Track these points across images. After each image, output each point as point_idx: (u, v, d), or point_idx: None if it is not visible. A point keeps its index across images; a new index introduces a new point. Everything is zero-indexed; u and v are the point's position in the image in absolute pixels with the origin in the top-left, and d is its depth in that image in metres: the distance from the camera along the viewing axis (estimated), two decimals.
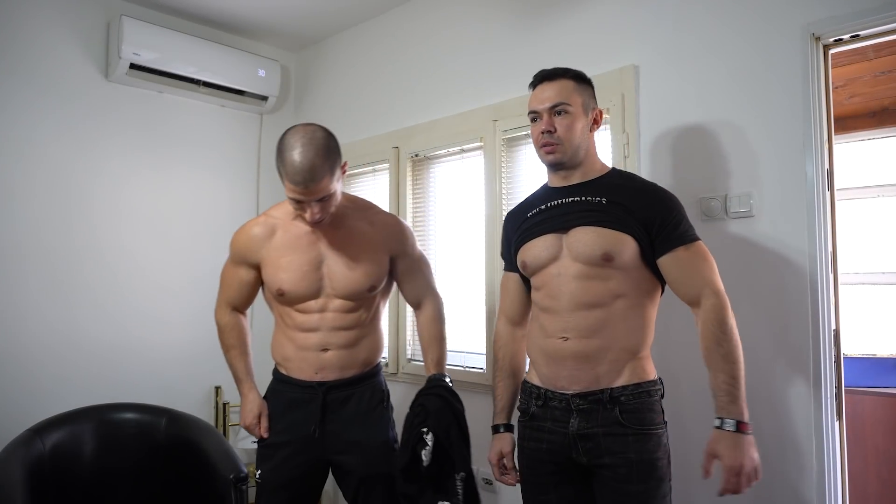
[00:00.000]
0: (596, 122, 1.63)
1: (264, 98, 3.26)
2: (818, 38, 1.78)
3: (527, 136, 2.45)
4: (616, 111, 2.14)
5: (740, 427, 1.37)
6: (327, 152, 1.63)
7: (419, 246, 1.98)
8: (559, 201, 1.59)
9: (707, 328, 1.45)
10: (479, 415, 2.50)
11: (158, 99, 3.02)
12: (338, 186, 1.70)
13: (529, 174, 2.46)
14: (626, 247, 1.49)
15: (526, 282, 1.69)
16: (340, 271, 1.78)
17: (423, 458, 1.64)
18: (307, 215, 1.68)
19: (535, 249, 1.59)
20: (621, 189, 1.55)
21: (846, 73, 2.91)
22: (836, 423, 1.76)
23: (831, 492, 1.72)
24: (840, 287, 1.82)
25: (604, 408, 1.48)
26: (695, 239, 1.51)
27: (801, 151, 1.79)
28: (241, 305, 1.94)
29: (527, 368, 1.71)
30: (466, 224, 2.66)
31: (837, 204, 1.83)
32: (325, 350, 1.80)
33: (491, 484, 2.48)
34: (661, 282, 1.56)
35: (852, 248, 3.23)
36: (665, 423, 1.53)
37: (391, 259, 1.87)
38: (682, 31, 2.05)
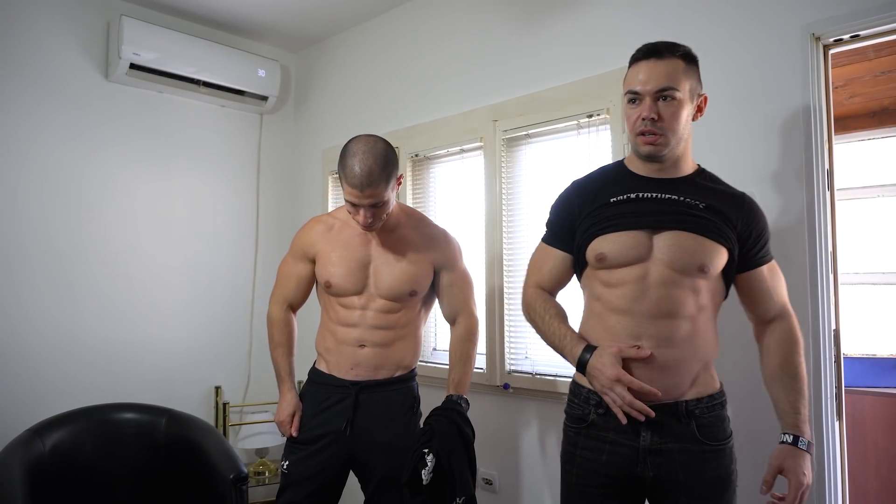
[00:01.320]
0: (699, 110, 1.47)
1: (264, 98, 3.26)
2: (818, 38, 1.79)
3: (527, 136, 2.46)
4: (616, 111, 2.14)
5: (809, 447, 1.40)
6: (385, 162, 1.72)
7: (466, 265, 2.01)
8: (652, 195, 1.43)
9: (784, 347, 1.45)
10: (479, 415, 2.50)
11: (158, 99, 3.02)
12: (392, 196, 1.78)
13: (529, 174, 2.47)
14: (721, 259, 1.40)
15: (577, 265, 1.53)
16: (385, 272, 1.86)
17: (423, 476, 1.66)
18: (360, 218, 1.76)
19: (621, 245, 1.42)
20: (715, 194, 1.45)
21: (846, 73, 2.91)
22: (836, 423, 1.76)
23: (831, 491, 1.72)
24: (840, 287, 1.82)
25: (678, 421, 1.40)
26: (772, 258, 1.48)
27: (801, 151, 1.79)
28: (296, 302, 2.02)
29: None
30: (466, 224, 2.65)
31: (837, 204, 1.83)
32: (362, 346, 1.86)
33: (491, 484, 2.48)
34: (727, 291, 1.50)
35: (852, 248, 3.23)
36: (732, 431, 1.48)
37: (435, 271, 1.93)
38: (682, 31, 2.05)
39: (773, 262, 1.48)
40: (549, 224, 1.59)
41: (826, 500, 1.71)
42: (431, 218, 2.77)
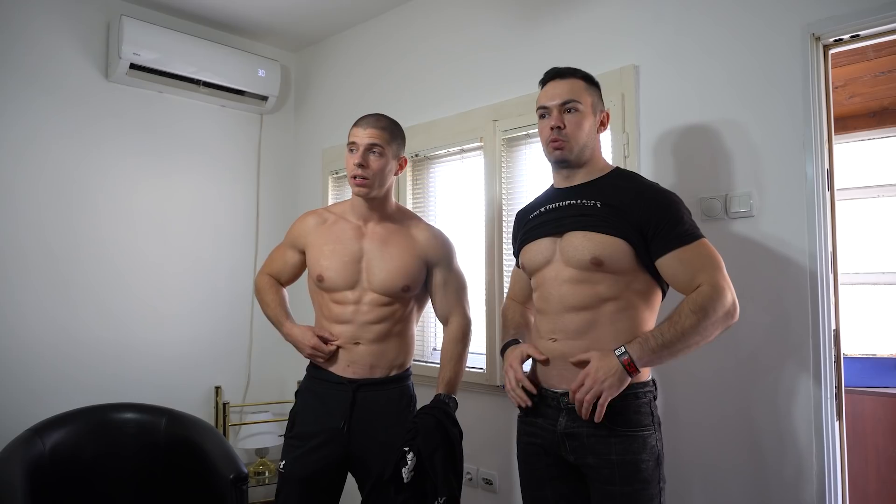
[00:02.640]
0: (602, 124, 1.65)
1: (264, 98, 3.26)
2: (818, 38, 1.79)
3: (527, 136, 2.46)
4: (616, 111, 2.14)
5: (627, 360, 1.41)
6: (395, 123, 1.91)
7: (459, 264, 2.02)
8: (557, 204, 1.61)
9: (688, 302, 1.42)
10: (479, 415, 2.51)
11: (158, 99, 3.02)
12: (391, 162, 1.87)
13: (529, 174, 2.46)
14: (618, 251, 1.48)
15: None
16: (378, 266, 1.87)
17: (404, 474, 1.66)
18: (354, 159, 1.82)
19: (532, 252, 1.63)
20: (619, 190, 1.55)
21: (846, 73, 2.91)
22: (836, 423, 1.76)
23: (831, 492, 1.72)
24: (840, 287, 1.82)
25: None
26: (695, 237, 1.47)
27: (801, 151, 1.79)
28: (280, 279, 2.06)
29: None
30: (466, 224, 2.66)
31: (837, 204, 1.83)
32: (357, 343, 1.87)
33: (491, 484, 2.48)
34: (661, 285, 1.55)
35: (852, 248, 3.23)
36: (654, 424, 1.52)
37: (428, 269, 1.94)
38: (682, 31, 2.05)
39: (699, 243, 1.46)
40: (513, 251, 1.82)
41: (826, 500, 1.71)
42: (432, 218, 2.81)
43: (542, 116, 1.62)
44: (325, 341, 1.88)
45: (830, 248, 1.78)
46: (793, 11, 1.81)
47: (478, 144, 2.60)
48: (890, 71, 2.87)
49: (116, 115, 2.89)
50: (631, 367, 1.41)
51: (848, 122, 3.23)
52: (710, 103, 1.98)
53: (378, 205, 1.92)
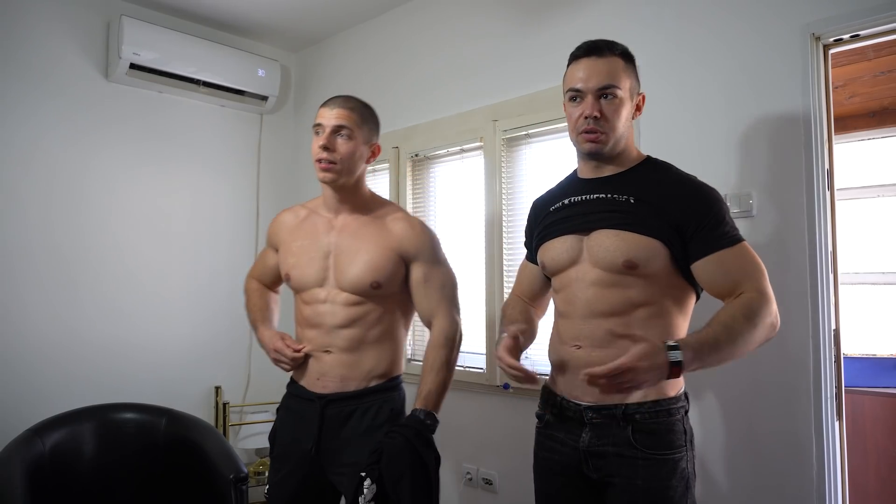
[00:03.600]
0: (638, 109, 1.47)
1: (264, 98, 3.26)
2: (818, 38, 1.78)
3: (527, 136, 2.45)
4: None
5: (675, 364, 1.23)
6: (367, 106, 1.77)
7: (446, 260, 1.79)
8: (583, 197, 1.45)
9: (740, 307, 1.28)
10: (479, 415, 2.51)
11: (158, 99, 3.02)
12: (361, 146, 1.71)
13: (529, 174, 2.46)
14: (654, 253, 1.34)
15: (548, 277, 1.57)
16: (345, 261, 1.70)
17: None
18: (316, 143, 1.68)
19: (554, 251, 1.47)
20: (654, 184, 1.39)
21: (846, 73, 2.91)
22: (836, 423, 1.76)
23: (831, 492, 1.72)
24: (840, 287, 1.82)
25: (616, 425, 1.35)
26: (737, 240, 1.34)
27: (801, 151, 1.79)
28: (265, 284, 2.00)
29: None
30: (466, 224, 2.66)
31: (837, 204, 1.83)
32: (327, 352, 1.69)
33: (491, 484, 2.48)
34: (696, 288, 1.41)
35: (852, 248, 3.23)
36: (687, 444, 1.38)
37: (406, 264, 1.72)
38: (682, 32, 2.05)
39: (741, 246, 1.33)
40: (525, 243, 1.71)
41: (826, 501, 1.71)
42: (431, 218, 2.81)
43: (572, 99, 1.43)
44: (289, 341, 1.74)
45: (830, 248, 1.78)
46: (793, 11, 1.81)
47: (478, 144, 2.60)
48: (890, 71, 2.87)
49: (116, 116, 2.88)
50: (675, 373, 1.24)
51: (848, 122, 3.23)
52: (710, 103, 1.97)
53: (348, 194, 1.74)
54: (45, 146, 2.68)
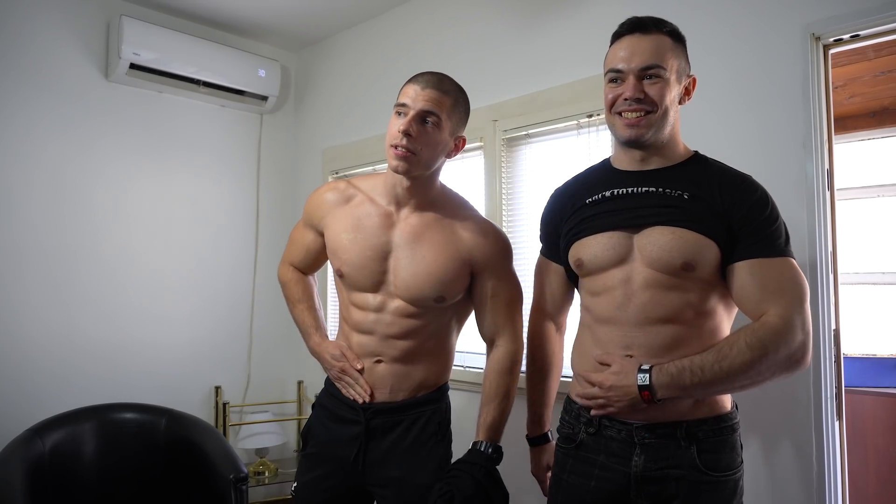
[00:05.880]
0: (687, 93, 1.34)
1: (264, 98, 3.25)
2: (818, 38, 1.78)
3: (527, 136, 2.45)
4: None
5: (647, 394, 1.20)
6: (463, 93, 1.53)
7: (515, 272, 1.62)
8: (630, 190, 1.30)
9: (745, 333, 1.18)
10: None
11: (158, 99, 3.02)
12: (447, 140, 1.49)
13: (529, 174, 2.46)
14: (710, 254, 1.22)
15: (570, 275, 1.44)
16: (407, 269, 1.50)
17: None
18: (400, 125, 1.43)
19: (597, 247, 1.32)
20: (707, 181, 1.27)
21: (846, 73, 2.91)
22: (836, 423, 1.76)
23: (831, 492, 1.72)
24: (840, 287, 1.82)
25: (677, 445, 1.23)
26: (782, 252, 1.22)
27: (801, 151, 1.79)
28: (304, 270, 1.76)
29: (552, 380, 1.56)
30: None
31: (837, 204, 1.82)
32: (378, 361, 1.55)
33: None
34: None
35: (852, 248, 3.23)
36: (743, 460, 1.31)
37: (474, 273, 1.55)
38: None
39: (787, 261, 1.22)
40: (540, 237, 1.55)
41: (826, 501, 1.71)
42: None
43: (612, 81, 1.29)
44: (349, 353, 1.58)
45: (830, 248, 1.78)
46: (793, 11, 1.81)
47: (478, 144, 2.60)
48: (890, 71, 2.87)
49: (116, 115, 2.88)
50: (648, 400, 1.19)
51: (848, 122, 3.23)
52: (710, 103, 1.97)
53: (419, 188, 1.52)
54: (45, 146, 2.68)
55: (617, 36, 1.32)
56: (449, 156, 1.55)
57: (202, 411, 3.02)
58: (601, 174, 1.40)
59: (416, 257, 1.50)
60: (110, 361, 2.81)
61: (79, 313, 2.75)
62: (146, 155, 2.98)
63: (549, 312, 1.53)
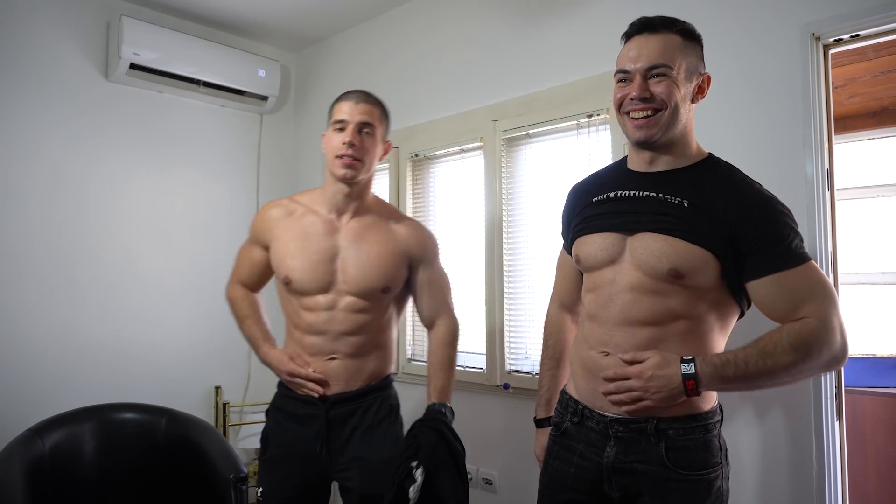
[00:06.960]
0: (701, 91, 1.32)
1: (264, 98, 3.25)
2: (818, 38, 1.78)
3: (527, 135, 2.46)
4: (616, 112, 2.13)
5: (692, 383, 1.19)
6: (384, 105, 1.73)
7: (443, 262, 1.84)
8: (631, 193, 1.32)
9: (789, 334, 1.18)
10: (479, 415, 2.51)
11: (158, 99, 3.02)
12: (379, 145, 1.71)
13: (529, 174, 2.47)
14: (702, 264, 1.22)
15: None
16: (355, 265, 1.67)
17: (410, 494, 1.45)
18: (344, 138, 1.63)
19: (592, 247, 1.35)
20: (712, 188, 1.26)
21: (846, 73, 2.91)
22: (836, 423, 1.76)
23: (831, 492, 1.72)
24: (840, 287, 1.82)
25: (647, 440, 1.26)
26: (802, 259, 1.20)
27: (801, 151, 1.79)
28: (252, 286, 1.88)
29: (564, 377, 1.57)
30: (466, 224, 2.66)
31: (837, 204, 1.83)
32: (332, 359, 1.68)
33: (491, 484, 2.48)
34: (741, 305, 1.31)
35: (852, 248, 3.23)
36: (723, 460, 1.29)
37: (411, 266, 1.75)
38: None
39: (808, 266, 1.21)
40: (561, 231, 1.59)
41: (826, 500, 1.71)
42: (431, 218, 2.81)
43: (621, 81, 1.30)
44: (299, 360, 1.70)
45: (830, 248, 1.78)
46: (793, 11, 1.81)
47: (478, 144, 2.60)
48: (890, 71, 2.87)
49: (116, 116, 2.88)
50: (692, 390, 1.19)
51: (848, 122, 3.23)
52: (710, 103, 1.96)
53: (358, 194, 1.71)
54: (45, 146, 2.68)
55: (626, 36, 1.34)
56: (380, 160, 1.74)
57: (202, 411, 3.01)
58: (614, 173, 1.43)
59: (362, 254, 1.68)
60: (110, 361, 2.81)
61: (78, 313, 2.75)
62: (146, 155, 2.98)
63: (565, 303, 1.60)
